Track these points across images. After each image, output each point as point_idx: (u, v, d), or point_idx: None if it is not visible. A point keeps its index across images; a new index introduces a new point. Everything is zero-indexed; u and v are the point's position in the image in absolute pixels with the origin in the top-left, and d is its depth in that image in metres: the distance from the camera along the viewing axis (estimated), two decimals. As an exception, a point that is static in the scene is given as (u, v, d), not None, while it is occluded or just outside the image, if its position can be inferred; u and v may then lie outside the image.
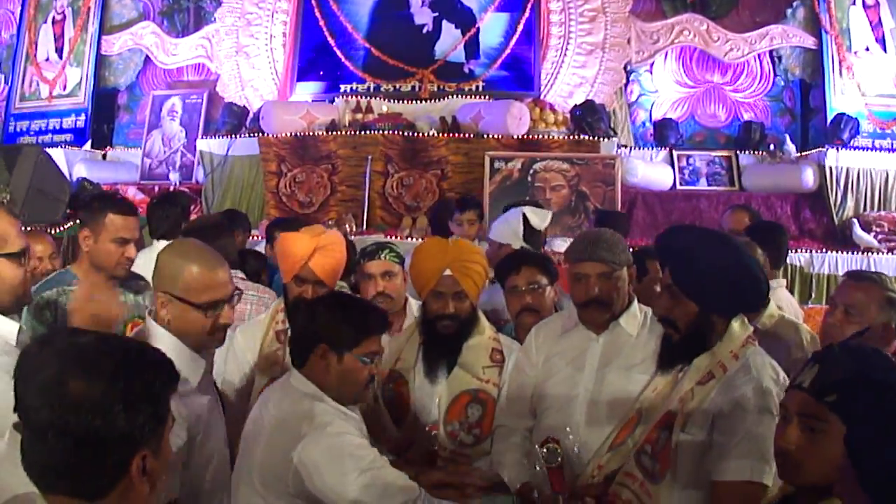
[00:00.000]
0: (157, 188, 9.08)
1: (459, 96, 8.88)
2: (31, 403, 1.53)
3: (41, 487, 1.55)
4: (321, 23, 9.25)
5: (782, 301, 4.37)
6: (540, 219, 4.78)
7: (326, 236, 3.54)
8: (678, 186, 8.89)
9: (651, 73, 9.50)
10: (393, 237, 7.09)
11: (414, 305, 3.81)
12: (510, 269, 3.67)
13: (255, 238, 7.31)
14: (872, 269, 7.38)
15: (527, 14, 9.02)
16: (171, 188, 8.86)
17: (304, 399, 2.69)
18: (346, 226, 7.34)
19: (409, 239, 6.94)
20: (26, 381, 1.59)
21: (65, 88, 10.46)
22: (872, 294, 3.42)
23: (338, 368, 2.71)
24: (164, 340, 2.51)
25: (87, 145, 10.14)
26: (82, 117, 10.27)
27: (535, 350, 3.22)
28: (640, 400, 2.88)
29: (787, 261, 7.43)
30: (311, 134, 8.52)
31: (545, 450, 2.79)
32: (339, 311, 2.79)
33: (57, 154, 8.74)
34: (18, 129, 10.56)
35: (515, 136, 8.27)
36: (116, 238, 3.62)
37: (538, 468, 2.83)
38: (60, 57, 10.50)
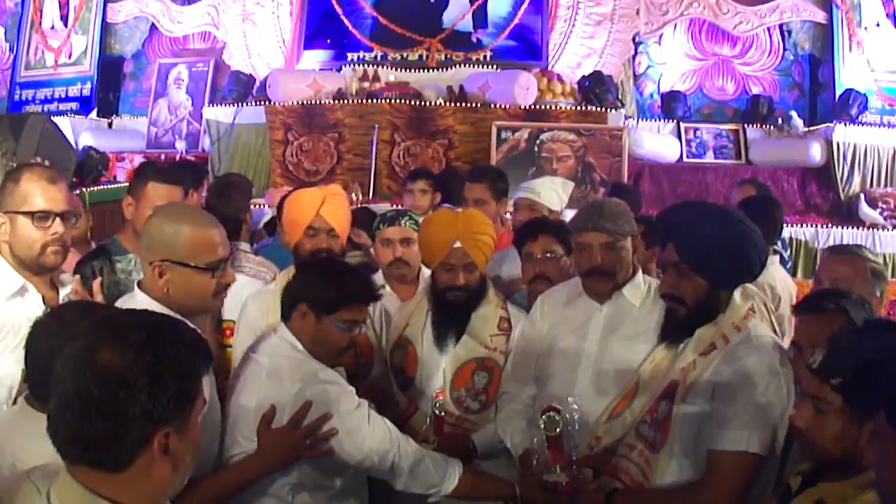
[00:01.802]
0: (163, 156, 9.06)
1: (467, 66, 8.88)
2: (60, 373, 1.52)
3: (65, 457, 1.54)
4: (328, -10, 9.21)
5: (775, 278, 4.36)
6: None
7: (332, 187, 3.66)
8: (685, 159, 8.89)
9: (660, 44, 9.46)
10: (399, 206, 7.08)
11: (426, 273, 3.82)
12: (528, 236, 3.67)
13: (260, 207, 7.33)
14: (878, 246, 7.42)
15: (535, -17, 8.98)
16: (178, 157, 8.87)
17: (292, 350, 2.76)
18: (353, 194, 7.33)
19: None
20: (50, 352, 1.58)
21: (70, 57, 10.41)
22: (857, 267, 3.45)
23: (316, 329, 2.77)
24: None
25: (93, 114, 10.13)
26: (88, 85, 10.24)
27: (540, 318, 3.24)
28: (638, 371, 2.90)
29: (793, 235, 7.45)
30: (317, 102, 8.52)
31: (545, 418, 2.81)
32: (327, 274, 2.85)
33: (63, 123, 8.69)
34: (24, 98, 10.53)
35: (522, 107, 8.27)
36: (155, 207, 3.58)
37: (537, 436, 2.85)
38: (66, 25, 10.45)
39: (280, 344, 2.78)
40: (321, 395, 2.67)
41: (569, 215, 6.04)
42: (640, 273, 3.15)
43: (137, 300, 2.61)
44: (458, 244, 3.31)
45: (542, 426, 2.80)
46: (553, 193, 4.55)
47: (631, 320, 3.05)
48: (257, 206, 7.35)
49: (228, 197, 4.31)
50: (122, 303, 2.72)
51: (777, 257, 4.65)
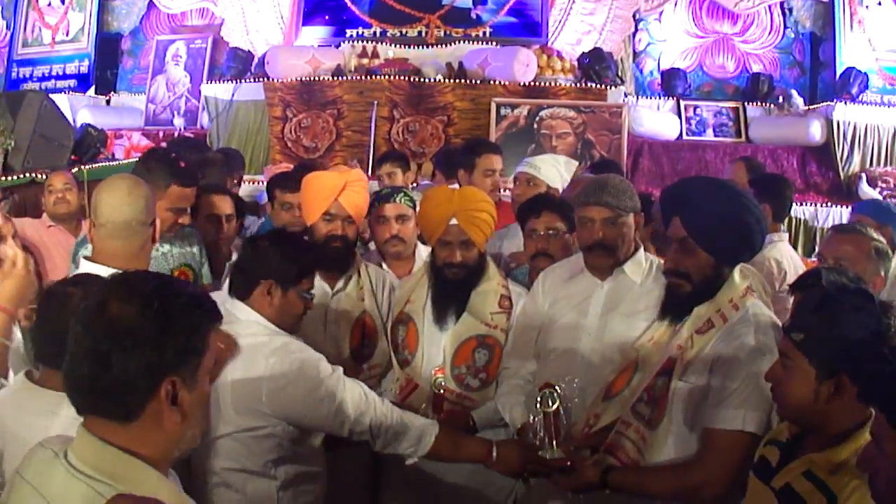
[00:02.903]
0: (161, 134, 9.06)
1: (466, 42, 8.83)
2: (74, 328, 1.58)
3: (80, 410, 1.60)
4: (326, -34, 9.15)
5: (783, 255, 4.36)
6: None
7: (354, 173, 3.63)
8: (685, 137, 8.86)
9: (660, 21, 9.40)
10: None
11: (423, 250, 3.84)
12: (530, 213, 3.68)
13: (261, 183, 7.30)
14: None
15: (535, -41, 8.91)
16: (176, 134, 8.85)
17: (258, 327, 2.82)
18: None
19: (414, 185, 6.93)
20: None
21: (67, 34, 10.35)
22: (861, 245, 3.44)
23: (281, 302, 2.87)
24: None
25: (91, 91, 10.09)
26: (86, 63, 10.19)
27: (541, 294, 3.25)
28: (637, 349, 2.90)
29: (792, 214, 7.44)
30: (316, 79, 8.50)
31: (542, 395, 2.82)
32: (288, 249, 2.96)
33: (61, 100, 8.65)
34: (21, 76, 10.47)
35: (522, 83, 8.25)
36: (174, 208, 3.59)
37: (535, 413, 2.86)
38: (63, 2, 10.38)
39: (245, 323, 2.82)
40: (296, 366, 2.73)
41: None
42: (641, 250, 3.15)
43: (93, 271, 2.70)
44: (454, 221, 3.32)
45: (540, 403, 2.82)
46: (554, 170, 4.53)
47: (632, 297, 3.05)
48: (259, 183, 7.33)
49: (204, 174, 4.36)
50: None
51: (786, 235, 4.66)
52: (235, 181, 5.60)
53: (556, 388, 2.82)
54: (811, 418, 1.99)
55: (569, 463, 2.75)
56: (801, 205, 7.92)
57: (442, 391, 3.29)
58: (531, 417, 2.88)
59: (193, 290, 1.69)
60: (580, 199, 3.15)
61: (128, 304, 1.56)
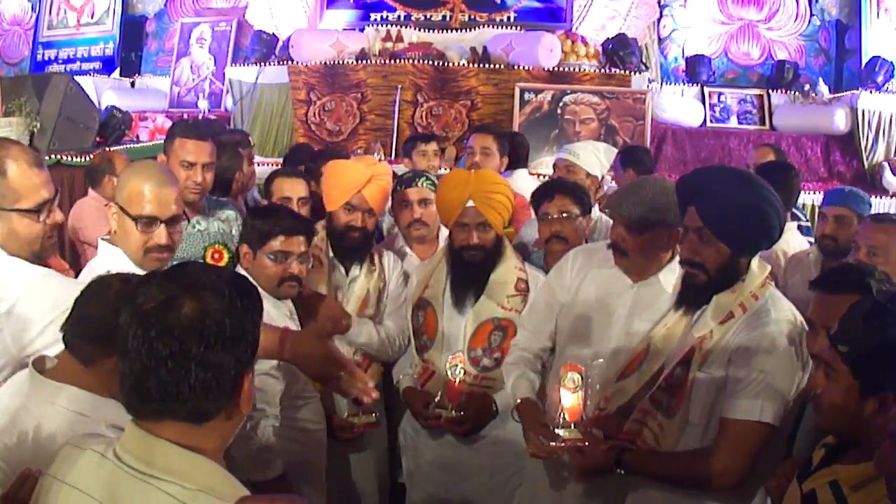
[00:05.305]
0: (185, 116, 9.08)
1: (490, 27, 8.80)
2: (144, 333, 1.50)
3: (149, 416, 1.53)
4: (351, -51, 9.15)
5: (790, 244, 4.34)
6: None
7: (380, 166, 3.67)
8: (708, 124, 8.81)
9: (685, 7, 9.33)
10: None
11: (446, 233, 3.85)
12: (544, 197, 3.69)
13: (276, 165, 7.34)
14: (901, 214, 7.32)
15: (560, -56, 8.86)
16: (200, 116, 8.89)
17: None
18: (375, 154, 7.33)
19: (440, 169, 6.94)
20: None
21: (92, 16, 10.40)
22: (894, 234, 3.42)
23: (252, 265, 3.10)
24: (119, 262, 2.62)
25: (116, 73, 10.14)
26: (111, 45, 10.24)
27: (569, 272, 3.15)
28: (650, 336, 2.88)
29: (815, 203, 7.40)
30: (340, 62, 8.53)
31: (569, 376, 2.83)
32: (255, 215, 3.20)
33: (86, 82, 8.71)
34: (47, 58, 10.53)
35: (546, 68, 8.23)
36: (182, 161, 3.65)
37: (556, 392, 2.87)
38: (88, -16, 10.44)
39: None
40: None
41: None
42: (677, 259, 3.09)
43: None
44: (470, 203, 3.33)
45: (564, 383, 2.82)
46: (594, 157, 4.55)
47: (660, 305, 2.94)
48: (274, 164, 7.36)
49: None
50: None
51: (794, 224, 4.64)
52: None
53: (581, 370, 2.83)
54: (849, 431, 1.95)
55: (586, 444, 2.78)
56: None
57: (458, 380, 3.26)
58: (555, 396, 2.90)
59: (245, 278, 1.68)
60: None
61: (212, 303, 1.51)
